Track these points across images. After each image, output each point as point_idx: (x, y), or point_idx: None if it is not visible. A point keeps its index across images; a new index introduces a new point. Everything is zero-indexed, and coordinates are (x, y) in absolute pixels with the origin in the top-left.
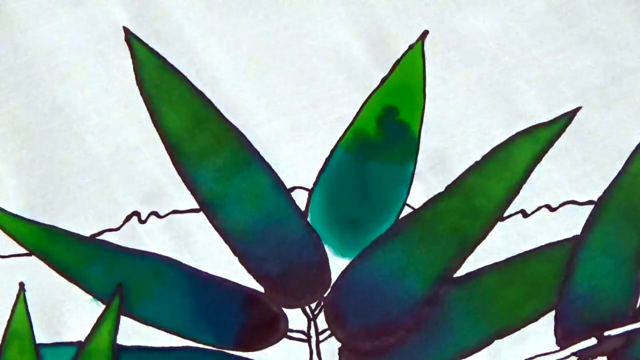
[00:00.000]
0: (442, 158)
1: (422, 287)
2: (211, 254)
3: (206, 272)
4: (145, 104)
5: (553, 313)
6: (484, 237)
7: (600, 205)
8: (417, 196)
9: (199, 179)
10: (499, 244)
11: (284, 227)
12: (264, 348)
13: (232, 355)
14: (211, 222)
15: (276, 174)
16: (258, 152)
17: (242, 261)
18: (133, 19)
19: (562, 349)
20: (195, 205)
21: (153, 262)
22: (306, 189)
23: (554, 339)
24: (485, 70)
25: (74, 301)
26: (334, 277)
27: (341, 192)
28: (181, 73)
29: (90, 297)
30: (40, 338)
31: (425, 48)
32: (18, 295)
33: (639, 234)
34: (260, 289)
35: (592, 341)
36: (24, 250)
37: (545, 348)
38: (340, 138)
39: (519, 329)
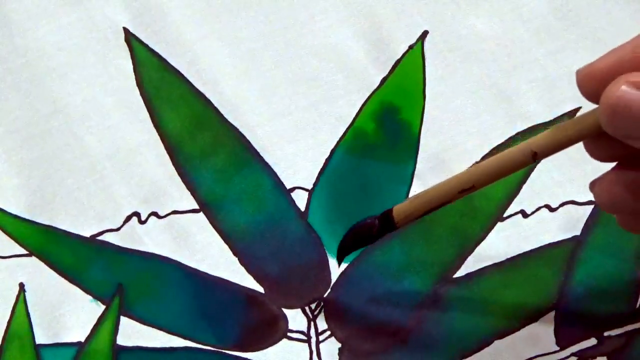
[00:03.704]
0: (442, 158)
1: (422, 287)
2: (211, 255)
3: (206, 273)
4: (145, 104)
5: (553, 313)
6: (484, 237)
7: None
8: None
9: (198, 179)
10: (499, 244)
11: (284, 228)
12: (264, 348)
13: (232, 355)
14: (211, 222)
15: (276, 174)
16: (258, 153)
17: (242, 261)
18: (133, 20)
19: (562, 349)
20: (196, 206)
21: (153, 262)
22: (306, 190)
23: (554, 339)
24: (485, 70)
25: (74, 302)
26: (334, 277)
27: (341, 193)
28: (181, 74)
29: (90, 297)
30: (40, 338)
31: (425, 48)
32: (18, 296)
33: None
34: (260, 289)
35: (592, 341)
36: (24, 251)
37: (545, 348)
38: (340, 138)
39: (519, 329)
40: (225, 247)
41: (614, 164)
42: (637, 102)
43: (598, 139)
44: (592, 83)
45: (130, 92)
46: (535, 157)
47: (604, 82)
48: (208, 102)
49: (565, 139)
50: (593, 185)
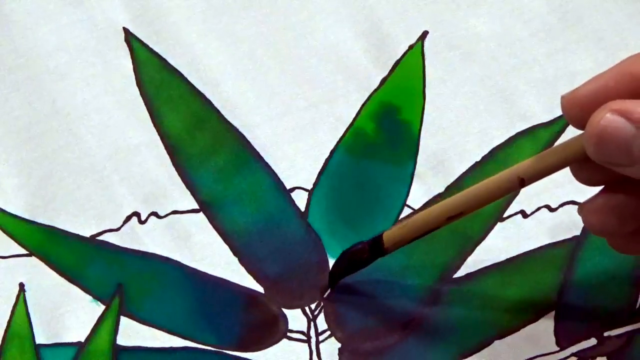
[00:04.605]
0: (442, 159)
1: (422, 287)
2: (211, 255)
3: (206, 273)
4: (145, 104)
5: (553, 313)
6: (483, 238)
7: None
8: (417, 197)
9: (198, 179)
10: (499, 244)
11: (284, 228)
12: (264, 348)
13: (232, 355)
14: (211, 222)
15: (276, 174)
16: (258, 153)
17: (242, 261)
18: (133, 20)
19: (562, 349)
20: (196, 206)
21: (153, 262)
22: (306, 190)
23: (554, 339)
24: (485, 70)
25: (74, 302)
26: None
27: (341, 193)
28: (181, 74)
29: (90, 297)
30: (40, 338)
31: (425, 48)
32: (18, 296)
33: None
34: (260, 289)
35: (592, 341)
36: (24, 251)
37: (545, 348)
38: (340, 138)
39: (519, 329)
40: (225, 247)
41: (600, 188)
42: (622, 130)
43: (584, 164)
44: (576, 109)
45: (130, 92)
46: (522, 184)
47: (588, 108)
48: (208, 102)
49: (551, 165)
50: (581, 209)
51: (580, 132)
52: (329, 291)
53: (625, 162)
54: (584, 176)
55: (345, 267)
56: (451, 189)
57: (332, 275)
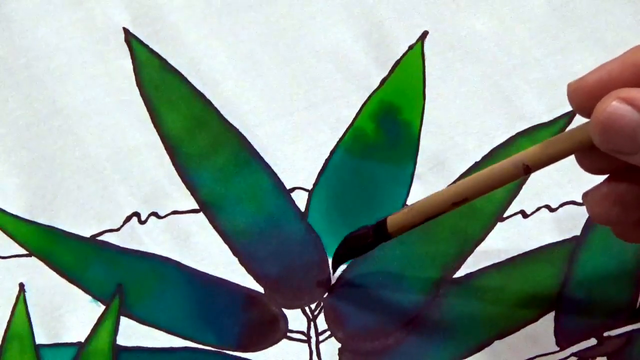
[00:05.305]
0: (441, 159)
1: (422, 287)
2: (211, 255)
3: (206, 273)
4: (145, 104)
5: (553, 313)
6: (483, 238)
7: None
8: (417, 197)
9: (198, 179)
10: (499, 245)
11: (284, 228)
12: (264, 348)
13: (232, 355)
14: (211, 222)
15: (276, 174)
16: (258, 153)
17: (242, 262)
18: (133, 20)
19: (562, 349)
20: (196, 206)
21: (153, 262)
22: (306, 190)
23: (554, 339)
24: (485, 70)
25: (74, 302)
26: (334, 277)
27: (341, 193)
28: (181, 74)
29: (90, 297)
30: (40, 338)
31: (425, 48)
32: (18, 296)
33: None
34: (260, 289)
35: (592, 341)
36: (24, 251)
37: (545, 348)
38: (340, 139)
39: (519, 329)
40: (225, 247)
41: (605, 177)
42: (628, 118)
43: (589, 152)
44: (582, 97)
45: (130, 92)
46: (527, 170)
47: (594, 96)
48: (208, 102)
49: (556, 152)
50: (585, 197)
51: (585, 120)
52: (329, 291)
53: (630, 150)
54: (589, 164)
55: (348, 251)
56: None
57: (335, 259)
